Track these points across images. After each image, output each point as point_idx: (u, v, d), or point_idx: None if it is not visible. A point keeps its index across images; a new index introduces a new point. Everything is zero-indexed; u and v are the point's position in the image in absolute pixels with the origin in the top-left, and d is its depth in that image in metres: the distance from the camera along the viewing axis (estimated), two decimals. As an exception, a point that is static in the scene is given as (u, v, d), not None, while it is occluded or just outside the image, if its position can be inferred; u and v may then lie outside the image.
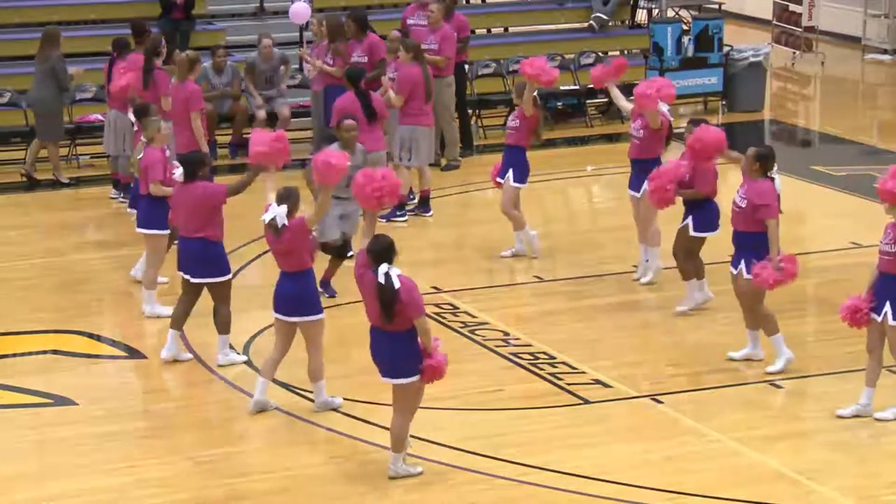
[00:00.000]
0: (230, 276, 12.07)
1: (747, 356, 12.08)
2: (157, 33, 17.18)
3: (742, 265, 11.76)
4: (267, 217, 10.96)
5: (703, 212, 12.80)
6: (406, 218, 15.96)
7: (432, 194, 16.37)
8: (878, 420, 10.95)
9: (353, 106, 14.64)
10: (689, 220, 12.83)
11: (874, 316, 10.83)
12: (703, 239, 12.92)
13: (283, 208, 10.90)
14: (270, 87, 18.78)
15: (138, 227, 13.31)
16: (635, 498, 9.92)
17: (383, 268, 9.79)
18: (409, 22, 18.26)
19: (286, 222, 10.88)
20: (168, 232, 13.19)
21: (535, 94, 14.28)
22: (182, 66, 15.21)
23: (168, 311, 12.95)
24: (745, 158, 11.87)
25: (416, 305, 9.86)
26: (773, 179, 11.81)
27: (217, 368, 12.09)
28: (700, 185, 12.71)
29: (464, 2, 22.25)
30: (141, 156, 13.23)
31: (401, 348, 9.91)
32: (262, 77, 18.76)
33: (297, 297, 11.03)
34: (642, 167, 13.59)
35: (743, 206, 11.74)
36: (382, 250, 9.86)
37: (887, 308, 10.73)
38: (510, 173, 14.47)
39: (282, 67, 18.91)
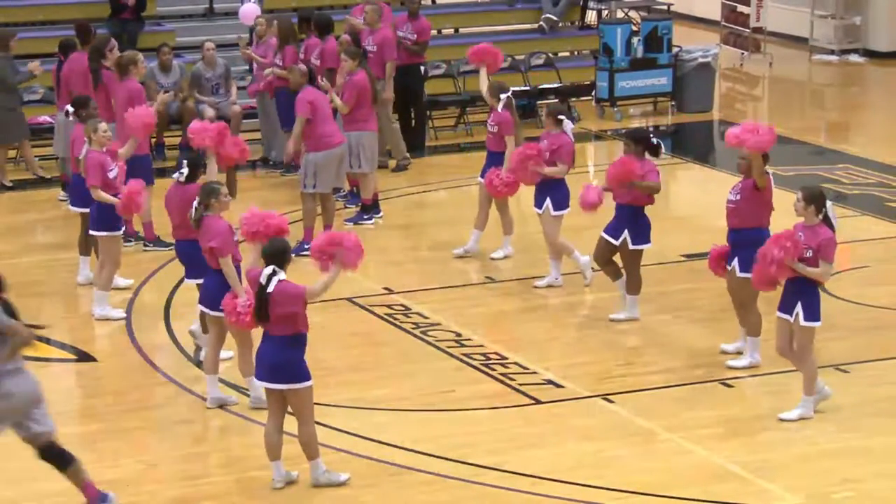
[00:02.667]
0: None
1: (739, 349, 12.15)
2: (106, 34, 17.08)
3: (735, 263, 11.79)
4: (193, 212, 11.04)
5: (639, 223, 12.82)
6: (373, 221, 15.96)
7: (382, 195, 16.37)
8: (781, 420, 11.03)
9: (321, 100, 14.66)
10: (626, 235, 12.84)
11: (785, 316, 10.94)
12: (642, 252, 12.94)
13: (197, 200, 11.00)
14: (217, 95, 18.63)
15: (91, 229, 13.20)
16: (587, 497, 9.95)
17: (267, 270, 9.75)
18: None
19: (200, 216, 10.94)
20: (122, 233, 13.20)
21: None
22: (120, 66, 15.05)
23: (119, 313, 12.96)
24: (743, 158, 11.73)
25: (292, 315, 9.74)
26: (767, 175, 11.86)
27: (165, 368, 12.06)
28: (653, 177, 12.70)
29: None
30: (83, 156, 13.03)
31: (287, 354, 9.83)
32: (210, 86, 18.63)
33: (205, 290, 11.14)
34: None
35: (736, 199, 11.74)
36: (275, 253, 9.83)
37: (798, 309, 10.85)
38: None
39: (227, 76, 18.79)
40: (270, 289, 9.69)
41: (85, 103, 13.75)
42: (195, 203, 11.00)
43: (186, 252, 11.74)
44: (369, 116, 15.77)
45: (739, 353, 12.14)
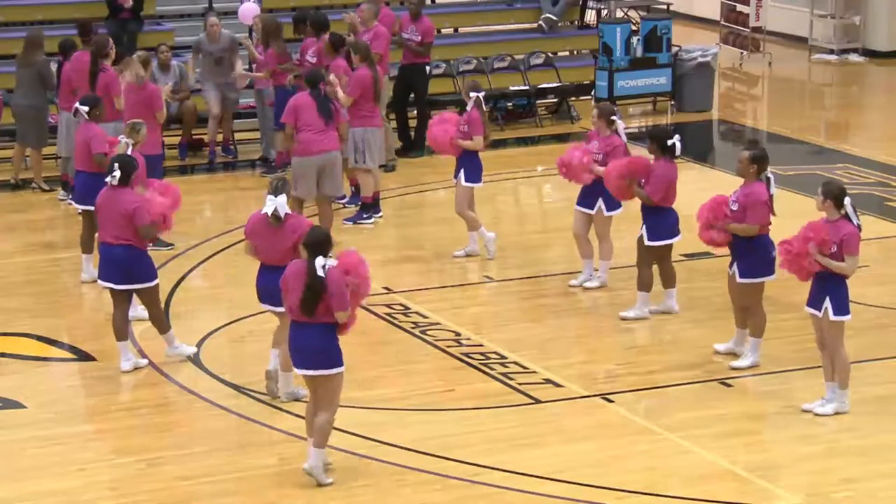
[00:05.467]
0: (157, 281, 12.00)
1: (730, 350, 12.16)
2: (104, 34, 17.06)
3: (735, 268, 11.81)
4: (269, 209, 10.85)
5: (657, 219, 12.82)
6: (373, 220, 15.95)
7: (382, 195, 16.37)
8: (817, 415, 11.04)
9: (308, 105, 14.65)
10: (643, 230, 12.85)
11: (814, 312, 10.95)
12: (662, 248, 12.92)
13: (283, 198, 10.85)
14: (220, 68, 18.41)
15: None
16: (587, 497, 9.96)
17: (320, 261, 9.75)
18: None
19: (288, 211, 10.85)
20: None
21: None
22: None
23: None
24: (740, 161, 11.85)
25: (342, 299, 9.77)
26: (768, 180, 11.84)
27: (165, 367, 12.06)
28: (651, 191, 12.72)
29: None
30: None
31: (324, 340, 9.86)
32: (210, 59, 18.44)
33: (267, 287, 11.01)
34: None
35: (735, 209, 11.77)
36: (317, 243, 9.82)
37: (827, 304, 10.86)
38: (462, 174, 14.54)
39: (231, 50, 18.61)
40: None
41: (96, 102, 13.70)
42: (280, 201, 10.77)
43: (121, 257, 11.72)
44: (374, 112, 15.80)
45: (731, 353, 12.13)
